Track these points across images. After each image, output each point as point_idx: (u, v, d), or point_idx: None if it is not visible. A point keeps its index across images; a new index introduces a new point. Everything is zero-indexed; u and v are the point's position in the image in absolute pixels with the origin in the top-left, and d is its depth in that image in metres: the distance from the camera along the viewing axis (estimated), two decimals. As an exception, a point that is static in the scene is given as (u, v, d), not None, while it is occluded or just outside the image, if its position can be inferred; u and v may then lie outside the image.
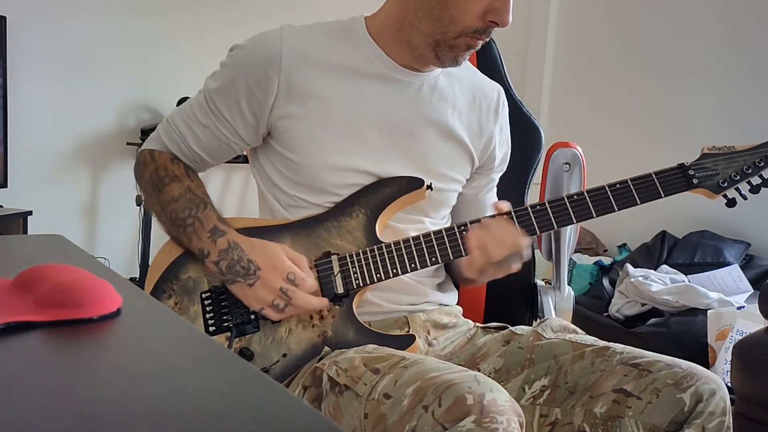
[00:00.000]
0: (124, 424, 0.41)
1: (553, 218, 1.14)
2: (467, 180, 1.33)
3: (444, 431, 0.85)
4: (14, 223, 2.82)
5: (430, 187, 1.21)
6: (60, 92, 3.20)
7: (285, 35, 1.17)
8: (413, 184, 1.20)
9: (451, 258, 1.17)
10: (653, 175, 1.13)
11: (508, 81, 1.52)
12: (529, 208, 1.15)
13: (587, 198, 1.14)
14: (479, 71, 1.36)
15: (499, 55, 1.55)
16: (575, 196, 1.14)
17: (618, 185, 1.14)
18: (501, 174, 1.40)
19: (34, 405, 0.43)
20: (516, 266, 1.17)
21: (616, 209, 1.14)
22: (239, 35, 1.21)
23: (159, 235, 1.24)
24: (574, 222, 1.15)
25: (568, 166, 1.55)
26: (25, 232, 2.85)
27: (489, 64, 1.52)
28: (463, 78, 1.30)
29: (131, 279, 3.24)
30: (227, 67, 1.20)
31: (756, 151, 1.14)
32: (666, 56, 3.78)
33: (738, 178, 1.14)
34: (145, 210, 3.21)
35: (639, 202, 1.13)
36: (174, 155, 1.24)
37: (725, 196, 1.15)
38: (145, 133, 3.31)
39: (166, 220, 1.19)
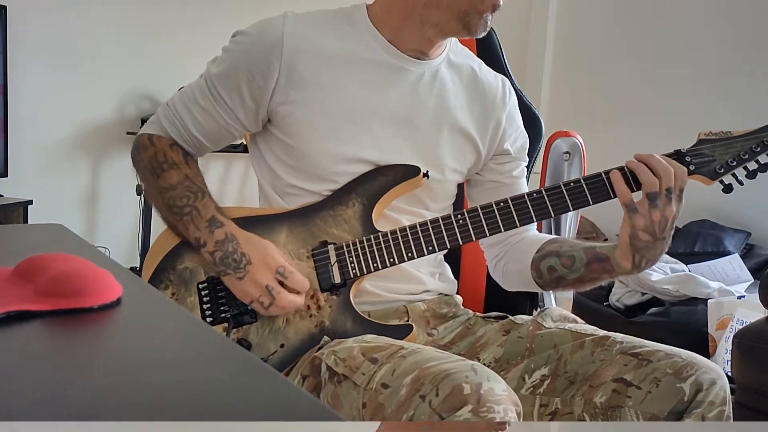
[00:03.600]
0: (124, 414, 0.42)
1: (549, 206, 1.14)
2: (494, 169, 1.31)
3: (441, 420, 0.85)
4: (14, 212, 2.83)
5: (426, 174, 1.20)
6: (60, 82, 3.20)
7: (287, 21, 1.17)
8: (409, 172, 1.19)
9: (448, 246, 1.16)
10: None
11: (508, 70, 1.51)
12: (525, 197, 1.15)
13: (584, 185, 1.13)
14: (483, 62, 1.35)
15: (499, 44, 1.55)
16: (572, 184, 1.14)
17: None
18: (525, 164, 1.37)
19: (34, 394, 0.43)
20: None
21: (612, 196, 1.13)
22: (240, 25, 1.21)
23: (159, 225, 1.24)
24: (571, 209, 1.14)
25: (568, 155, 1.55)
26: (25, 221, 2.85)
27: (489, 53, 1.52)
28: (466, 68, 1.29)
29: (131, 268, 3.24)
30: (230, 52, 1.20)
31: (753, 136, 1.13)
32: (665, 45, 3.76)
33: (735, 163, 1.13)
34: (145, 199, 3.21)
35: (635, 189, 1.11)
36: (173, 141, 1.24)
37: (722, 182, 1.14)
38: (146, 122, 3.30)
39: (163, 207, 1.19)
